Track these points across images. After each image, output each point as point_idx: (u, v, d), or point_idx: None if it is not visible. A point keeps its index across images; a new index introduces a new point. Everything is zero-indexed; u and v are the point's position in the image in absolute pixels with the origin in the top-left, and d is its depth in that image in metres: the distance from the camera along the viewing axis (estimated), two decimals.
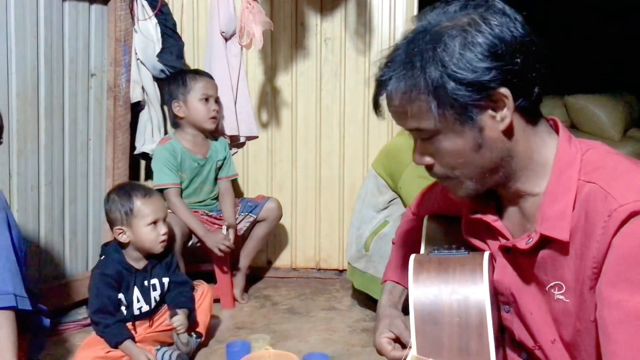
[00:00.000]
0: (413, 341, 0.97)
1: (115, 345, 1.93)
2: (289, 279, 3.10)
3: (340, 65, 3.07)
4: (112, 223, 2.06)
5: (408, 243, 1.37)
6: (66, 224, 2.47)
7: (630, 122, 4.52)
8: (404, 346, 1.15)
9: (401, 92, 0.94)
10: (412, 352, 0.96)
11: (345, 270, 2.82)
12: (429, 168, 1.02)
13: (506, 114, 0.93)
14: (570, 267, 0.93)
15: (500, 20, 0.91)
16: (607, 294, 0.85)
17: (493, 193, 1.06)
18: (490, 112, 0.93)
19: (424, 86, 0.91)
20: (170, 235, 2.29)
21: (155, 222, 2.04)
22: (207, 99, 2.58)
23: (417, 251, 1.34)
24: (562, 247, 0.93)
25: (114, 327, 1.95)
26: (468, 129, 0.93)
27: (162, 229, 2.06)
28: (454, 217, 1.25)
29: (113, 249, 2.07)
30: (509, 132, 0.95)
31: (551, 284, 0.96)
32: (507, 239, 1.03)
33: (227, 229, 2.53)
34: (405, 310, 1.29)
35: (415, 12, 2.99)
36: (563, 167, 0.95)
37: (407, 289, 1.30)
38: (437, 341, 0.95)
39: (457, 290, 0.97)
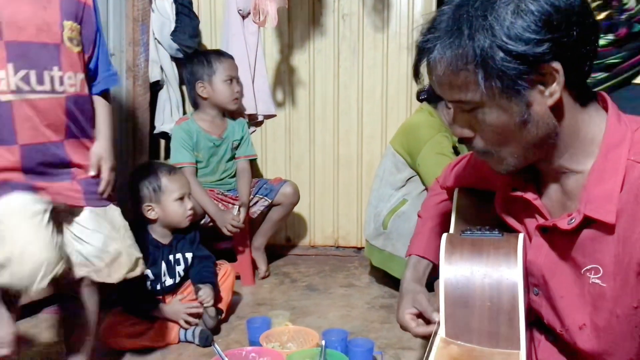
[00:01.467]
0: (442, 324, 0.95)
1: (149, 313, 2.01)
2: (307, 256, 3.13)
3: (358, 42, 3.04)
4: (140, 201, 2.11)
5: (435, 216, 1.34)
6: None
7: None
8: (427, 322, 1.13)
9: (446, 61, 0.89)
10: (441, 334, 0.94)
11: (363, 247, 2.83)
12: (468, 141, 0.97)
13: (556, 89, 0.88)
14: (610, 250, 0.89)
15: None
16: None
17: (533, 169, 1.02)
18: (539, 86, 0.88)
19: (471, 56, 0.86)
20: (195, 211, 2.33)
21: (182, 198, 2.11)
22: (230, 80, 2.58)
23: (445, 225, 1.31)
24: (605, 230, 0.90)
25: (144, 299, 2.03)
26: (514, 103, 0.88)
27: (189, 204, 2.14)
28: (485, 191, 1.22)
29: (139, 227, 2.09)
30: (556, 108, 0.90)
31: (587, 267, 0.93)
32: (545, 218, 0.99)
33: (239, 208, 2.55)
34: (429, 286, 1.29)
35: None
36: (611, 145, 0.90)
37: (432, 262, 1.30)
38: (467, 325, 0.93)
39: (490, 274, 0.94)
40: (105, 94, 1.70)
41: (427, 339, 1.11)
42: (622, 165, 0.88)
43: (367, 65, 3.05)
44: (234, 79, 2.60)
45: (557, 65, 0.86)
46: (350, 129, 3.10)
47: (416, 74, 0.97)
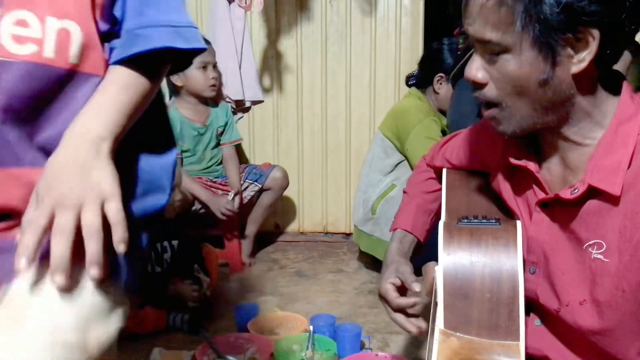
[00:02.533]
0: (441, 315, 0.94)
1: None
2: (296, 242, 3.13)
3: (346, 27, 3.02)
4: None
5: (421, 193, 1.33)
6: None
7: None
8: (406, 291, 1.13)
9: None
10: (439, 325, 0.94)
11: (352, 233, 2.84)
12: (479, 86, 0.94)
13: (585, 58, 0.85)
14: (615, 225, 0.88)
15: None
16: None
17: (534, 141, 1.01)
18: (569, 49, 0.85)
19: None
20: (184, 199, 2.33)
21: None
22: (205, 67, 2.55)
23: (431, 203, 1.32)
24: (609, 203, 0.88)
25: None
26: (542, 57, 0.86)
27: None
28: (475, 172, 1.21)
29: None
30: (579, 78, 0.88)
31: (590, 242, 0.91)
32: (546, 192, 0.97)
33: (234, 196, 2.55)
34: (416, 271, 1.28)
35: None
36: (622, 120, 0.89)
37: (417, 238, 1.28)
38: (466, 316, 0.92)
39: (489, 265, 0.93)
40: (133, 66, 0.81)
41: (402, 312, 1.12)
42: (631, 139, 0.87)
43: (355, 50, 3.03)
44: (208, 65, 2.55)
45: (595, 32, 0.84)
46: (338, 115, 3.09)
47: (455, 6, 0.93)
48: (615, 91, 0.93)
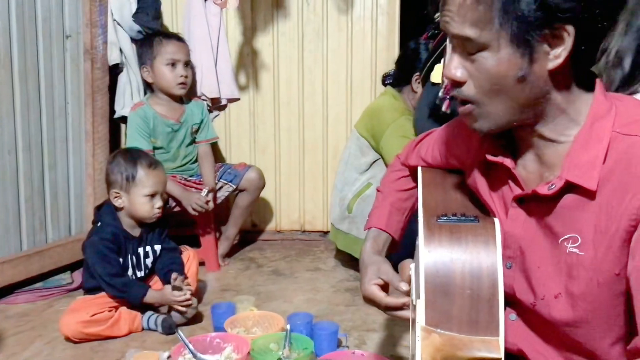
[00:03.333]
0: (422, 312, 0.94)
1: (140, 300, 1.97)
2: (274, 241, 3.12)
3: (323, 26, 3.02)
4: (110, 185, 2.06)
5: (395, 192, 1.34)
6: (46, 189, 2.44)
7: None
8: (388, 290, 1.13)
9: None
10: (420, 322, 0.94)
11: (329, 231, 2.84)
12: (457, 85, 0.95)
13: (561, 54, 0.88)
14: (590, 219, 0.91)
15: None
16: None
17: (509, 139, 1.02)
18: (546, 46, 0.88)
19: None
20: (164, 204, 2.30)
21: (153, 195, 2.04)
22: (173, 64, 2.51)
23: (405, 202, 1.33)
24: (585, 197, 0.91)
25: (132, 284, 2.00)
26: (520, 54, 0.87)
27: (158, 202, 2.06)
28: (449, 171, 1.22)
29: (108, 216, 2.05)
30: (554, 74, 0.90)
31: (565, 237, 0.94)
32: (522, 188, 0.99)
33: (207, 192, 2.52)
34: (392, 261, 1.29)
35: None
36: (597, 117, 0.91)
37: (391, 236, 1.29)
38: (447, 313, 0.92)
39: (469, 262, 0.94)
40: None
41: (393, 309, 1.11)
42: (606, 135, 0.89)
43: (331, 48, 3.03)
44: (177, 62, 2.52)
45: (570, 29, 0.86)
46: (315, 113, 3.09)
47: (434, 4, 0.95)
48: (589, 88, 0.95)
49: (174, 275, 1.99)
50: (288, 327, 1.71)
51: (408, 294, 1.07)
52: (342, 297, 2.31)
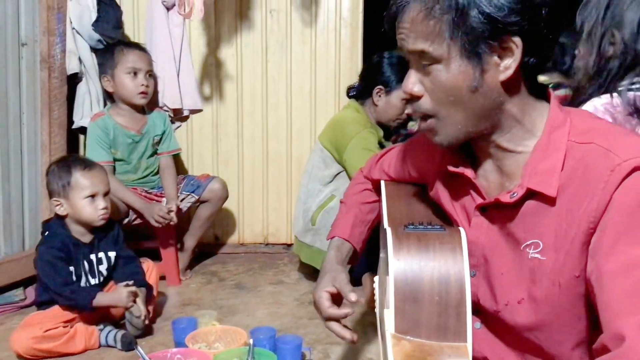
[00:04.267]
0: (392, 319, 0.95)
1: (89, 305, 1.91)
2: (236, 254, 3.08)
3: (287, 37, 3.02)
4: (50, 195, 2.04)
5: (358, 204, 1.36)
6: None
7: None
8: (341, 301, 1.14)
9: (422, 7, 0.91)
10: (390, 330, 0.95)
11: (293, 244, 2.82)
12: (416, 99, 0.98)
13: (511, 65, 0.91)
14: (551, 225, 0.94)
15: None
16: (605, 246, 0.85)
17: (469, 150, 1.05)
18: (496, 57, 0.91)
19: (447, 6, 0.89)
20: (115, 208, 2.24)
21: (93, 196, 2.00)
22: (135, 73, 2.47)
23: (368, 214, 1.35)
24: (546, 204, 0.94)
25: (80, 290, 1.94)
26: (471, 66, 0.91)
27: (101, 203, 2.01)
28: (411, 184, 1.24)
29: (56, 225, 2.03)
30: (507, 85, 0.94)
31: (527, 243, 0.97)
32: (483, 198, 1.02)
33: (167, 202, 2.48)
34: (356, 281, 1.29)
35: None
36: (554, 127, 0.95)
37: (354, 247, 1.31)
38: (416, 319, 0.94)
39: (437, 269, 0.96)
40: None
41: (334, 320, 1.13)
42: (563, 144, 0.93)
43: (295, 60, 3.03)
44: (139, 71, 2.48)
45: (518, 40, 0.90)
46: (279, 124, 3.08)
47: (390, 21, 0.97)
48: (542, 99, 1.00)
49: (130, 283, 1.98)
50: (251, 341, 1.69)
51: (355, 305, 1.11)
52: (305, 311, 2.29)
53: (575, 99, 1.44)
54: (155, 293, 2.16)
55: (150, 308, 2.10)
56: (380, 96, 2.54)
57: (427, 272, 0.96)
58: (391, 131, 2.74)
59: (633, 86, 1.36)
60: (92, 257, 2.04)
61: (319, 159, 2.58)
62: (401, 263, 0.97)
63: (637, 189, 0.84)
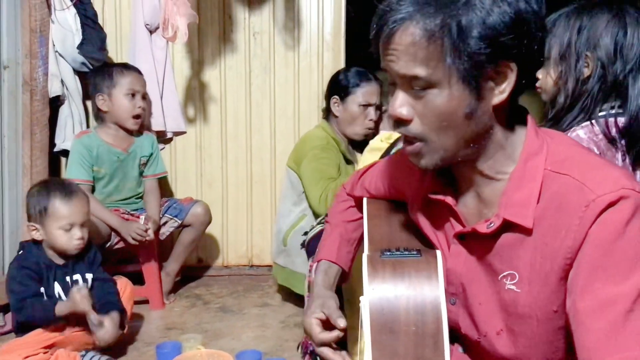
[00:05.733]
0: (368, 351, 0.93)
1: (52, 314, 1.86)
2: (221, 277, 3.06)
3: (270, 60, 3.04)
4: (28, 218, 2.02)
5: (343, 223, 1.35)
6: None
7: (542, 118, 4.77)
8: (332, 327, 1.12)
9: (418, 29, 0.86)
10: None
11: None
12: (403, 123, 0.94)
13: (505, 89, 0.90)
14: (526, 257, 0.92)
15: None
16: (581, 283, 0.85)
17: (450, 176, 1.04)
18: (491, 82, 0.90)
19: (447, 29, 0.85)
20: (92, 231, 2.21)
21: (133, 94, 2.08)
22: (133, 95, 2.48)
23: (353, 232, 1.34)
24: (522, 235, 0.93)
25: (39, 303, 1.89)
26: (468, 91, 0.89)
27: (77, 233, 1.97)
28: (394, 201, 1.23)
29: (31, 245, 2.01)
30: (498, 110, 0.92)
31: (504, 274, 0.95)
32: (463, 225, 1.01)
33: (145, 219, 2.45)
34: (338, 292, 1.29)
35: (344, 7, 3.02)
36: (530, 154, 0.94)
37: (342, 268, 1.29)
38: (393, 351, 0.92)
39: (413, 298, 0.94)
40: None
41: (326, 345, 1.11)
42: (539, 173, 0.92)
43: (278, 82, 3.06)
44: (137, 93, 2.49)
45: (513, 65, 0.89)
46: (263, 146, 3.09)
47: (378, 43, 0.92)
48: (522, 124, 0.99)
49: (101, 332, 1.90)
50: None
51: (344, 330, 1.08)
52: (291, 333, 2.28)
53: (555, 125, 1.46)
54: (129, 311, 2.11)
55: (126, 330, 2.05)
56: (337, 106, 2.57)
57: (403, 302, 0.94)
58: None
59: (612, 110, 1.39)
60: (67, 278, 2.01)
61: (287, 180, 2.59)
62: (376, 292, 0.95)
63: (611, 225, 0.84)
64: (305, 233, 2.25)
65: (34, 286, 1.92)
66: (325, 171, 2.38)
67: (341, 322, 1.08)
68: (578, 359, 0.83)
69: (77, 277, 2.03)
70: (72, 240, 1.96)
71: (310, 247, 2.04)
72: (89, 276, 2.05)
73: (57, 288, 1.98)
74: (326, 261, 1.30)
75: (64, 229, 1.95)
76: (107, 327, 1.91)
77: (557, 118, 1.46)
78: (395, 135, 1.87)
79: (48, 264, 1.98)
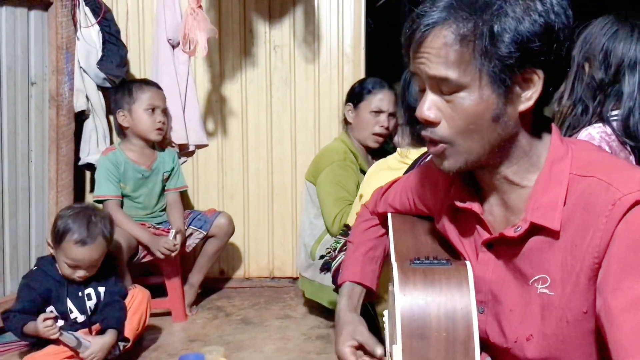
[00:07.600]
0: (399, 356, 0.93)
1: (19, 330, 1.93)
2: (242, 289, 3.07)
3: (290, 73, 3.07)
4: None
5: (366, 241, 1.34)
6: (6, 239, 2.36)
7: None
8: (367, 353, 1.11)
9: (451, 31, 0.88)
10: None
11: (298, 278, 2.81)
12: (432, 125, 0.95)
13: (532, 96, 0.92)
14: (557, 259, 0.93)
15: (557, 0, 0.90)
16: (611, 282, 0.84)
17: (474, 184, 1.05)
18: (518, 88, 0.91)
19: (479, 32, 0.87)
20: (123, 244, 2.24)
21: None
22: (153, 110, 2.52)
23: (377, 250, 1.33)
24: (550, 238, 0.93)
25: (19, 317, 1.94)
26: (496, 94, 0.90)
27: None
28: (418, 217, 1.23)
29: (47, 262, 2.05)
30: (524, 117, 0.93)
31: (535, 278, 0.96)
32: (490, 233, 1.01)
33: (175, 234, 2.48)
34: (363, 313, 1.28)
35: (363, 19, 3.03)
36: (555, 160, 0.95)
37: (366, 287, 1.28)
38: (423, 356, 0.92)
39: (444, 304, 0.95)
40: None
41: None
42: (565, 177, 0.93)
43: (299, 95, 3.07)
44: (157, 108, 2.53)
45: (540, 72, 0.90)
46: (283, 158, 3.10)
47: (410, 47, 0.94)
48: (546, 132, 1.00)
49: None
50: None
51: (383, 357, 1.07)
52: (313, 345, 2.27)
53: (569, 131, 1.47)
54: (140, 319, 2.11)
55: (130, 334, 2.06)
56: (351, 113, 2.58)
57: (434, 308, 0.95)
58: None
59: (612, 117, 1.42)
60: (80, 293, 2.04)
61: (307, 194, 2.60)
62: (407, 298, 0.96)
63: (638, 223, 0.84)
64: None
65: (26, 304, 1.96)
66: (341, 190, 2.39)
67: (379, 350, 1.08)
68: (612, 357, 0.82)
69: (89, 290, 2.06)
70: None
71: (336, 278, 2.03)
72: (102, 289, 2.08)
73: (69, 304, 2.02)
74: (350, 282, 1.29)
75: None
76: (92, 349, 1.92)
77: (570, 125, 1.48)
78: (414, 153, 1.84)
79: (60, 280, 2.01)
